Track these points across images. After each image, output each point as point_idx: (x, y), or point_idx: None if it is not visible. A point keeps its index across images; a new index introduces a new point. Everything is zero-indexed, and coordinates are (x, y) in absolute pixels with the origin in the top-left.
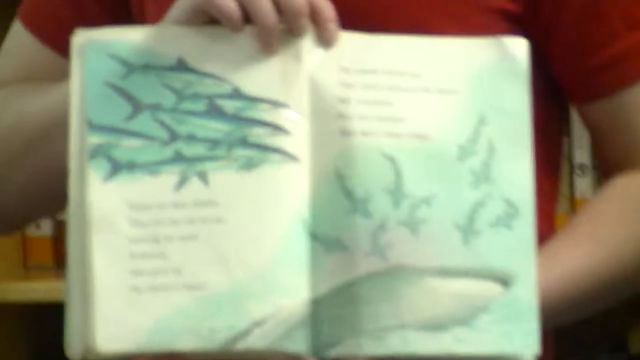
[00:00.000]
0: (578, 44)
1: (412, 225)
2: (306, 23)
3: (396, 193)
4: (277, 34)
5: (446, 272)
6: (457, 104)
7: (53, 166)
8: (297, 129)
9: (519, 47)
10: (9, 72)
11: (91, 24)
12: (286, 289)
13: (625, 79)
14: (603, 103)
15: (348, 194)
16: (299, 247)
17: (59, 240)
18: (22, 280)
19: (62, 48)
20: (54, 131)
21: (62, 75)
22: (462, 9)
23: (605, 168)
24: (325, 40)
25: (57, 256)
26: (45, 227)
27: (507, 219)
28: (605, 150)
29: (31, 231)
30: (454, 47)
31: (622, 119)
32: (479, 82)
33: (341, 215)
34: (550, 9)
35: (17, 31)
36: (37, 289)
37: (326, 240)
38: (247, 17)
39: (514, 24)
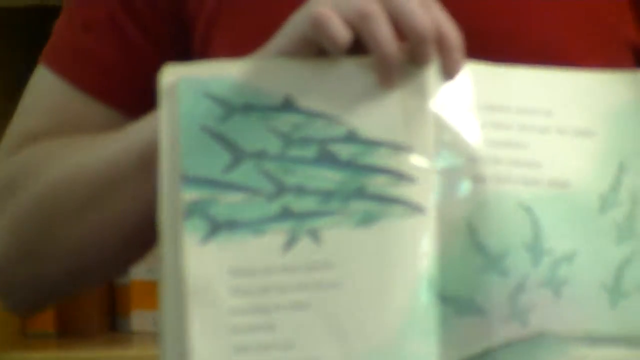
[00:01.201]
0: None
1: (554, 285)
2: (433, 51)
3: (535, 249)
4: (399, 64)
5: (593, 339)
6: (594, 148)
7: (112, 226)
8: (422, 176)
9: None
10: (39, 124)
11: (141, 68)
12: None
13: None
14: None
15: (482, 249)
16: (427, 312)
17: (62, 306)
18: (21, 350)
19: (106, 95)
20: (118, 185)
21: (110, 125)
22: (595, 40)
23: None
24: (449, 72)
25: (59, 324)
26: None
27: None
28: None
29: None
30: (589, 83)
31: None
32: (617, 123)
33: (474, 273)
34: None
35: (45, 78)
36: None
37: (458, 302)
38: (362, 46)
39: None
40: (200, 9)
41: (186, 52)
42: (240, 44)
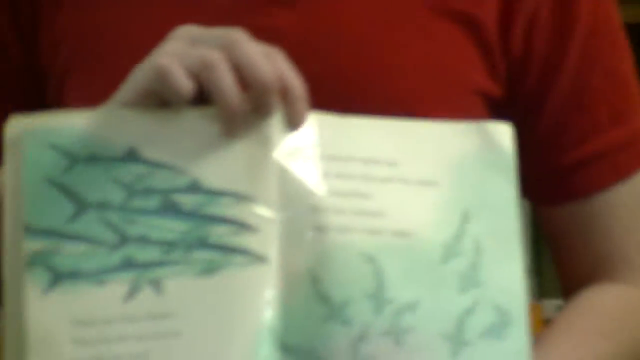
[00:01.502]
0: (558, 136)
1: (396, 334)
2: (276, 101)
3: (378, 298)
4: (242, 114)
5: None
6: (438, 198)
7: None
8: (265, 226)
9: (503, 134)
10: None
11: None
12: None
13: (603, 181)
14: (576, 205)
15: (324, 298)
16: None
17: None
18: None
19: None
20: None
21: None
22: (444, 89)
23: (570, 277)
24: (293, 122)
25: None
26: None
27: (498, 328)
28: (572, 258)
29: None
30: (435, 133)
31: (595, 225)
32: (461, 173)
33: (316, 323)
34: (532, 95)
35: None
36: None
37: (299, 352)
38: (206, 96)
39: (495, 109)
40: (54, 60)
41: (42, 102)
42: (93, 95)
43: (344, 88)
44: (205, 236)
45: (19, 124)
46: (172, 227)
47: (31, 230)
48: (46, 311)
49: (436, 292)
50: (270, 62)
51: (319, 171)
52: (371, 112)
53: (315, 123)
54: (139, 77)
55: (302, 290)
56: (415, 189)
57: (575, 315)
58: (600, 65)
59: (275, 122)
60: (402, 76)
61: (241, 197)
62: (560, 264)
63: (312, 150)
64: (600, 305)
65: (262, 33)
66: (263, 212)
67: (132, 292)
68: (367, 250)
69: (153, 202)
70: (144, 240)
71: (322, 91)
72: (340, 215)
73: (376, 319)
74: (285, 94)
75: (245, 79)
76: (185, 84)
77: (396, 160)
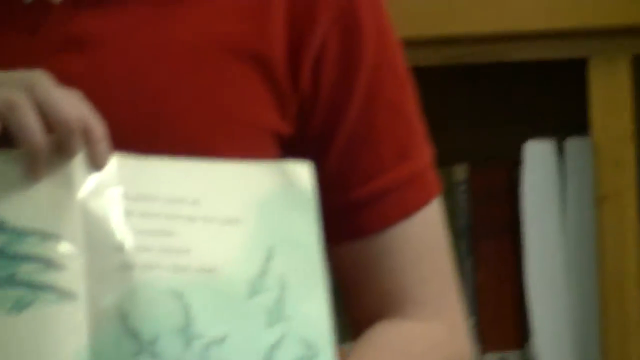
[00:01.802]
0: (345, 174)
1: None
2: (78, 142)
3: (186, 333)
4: (45, 154)
5: None
6: (242, 235)
7: None
8: (71, 263)
9: (302, 172)
10: None
11: None
12: None
13: (388, 218)
14: (362, 242)
15: (133, 334)
16: None
17: None
18: None
19: None
20: None
21: None
22: (238, 128)
23: (360, 316)
24: (95, 163)
25: None
26: None
27: None
28: (360, 297)
29: None
30: (235, 173)
31: (381, 262)
32: (264, 211)
33: (126, 358)
34: (320, 132)
35: None
36: None
37: None
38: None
39: (287, 147)
40: None
41: None
42: None
43: (134, 131)
44: (13, 274)
45: None
46: None
47: None
48: None
49: (244, 326)
50: (71, 105)
51: (122, 210)
52: (164, 153)
53: (117, 163)
54: None
55: (111, 326)
56: (219, 227)
57: (364, 353)
58: (384, 102)
59: (78, 162)
60: (191, 117)
61: (46, 236)
62: (349, 304)
63: (114, 190)
64: (387, 341)
65: (55, 78)
66: (68, 250)
67: None
68: (174, 287)
69: None
70: None
71: (114, 135)
72: (145, 253)
73: (185, 354)
74: (87, 136)
75: (48, 120)
76: None
77: (199, 199)
